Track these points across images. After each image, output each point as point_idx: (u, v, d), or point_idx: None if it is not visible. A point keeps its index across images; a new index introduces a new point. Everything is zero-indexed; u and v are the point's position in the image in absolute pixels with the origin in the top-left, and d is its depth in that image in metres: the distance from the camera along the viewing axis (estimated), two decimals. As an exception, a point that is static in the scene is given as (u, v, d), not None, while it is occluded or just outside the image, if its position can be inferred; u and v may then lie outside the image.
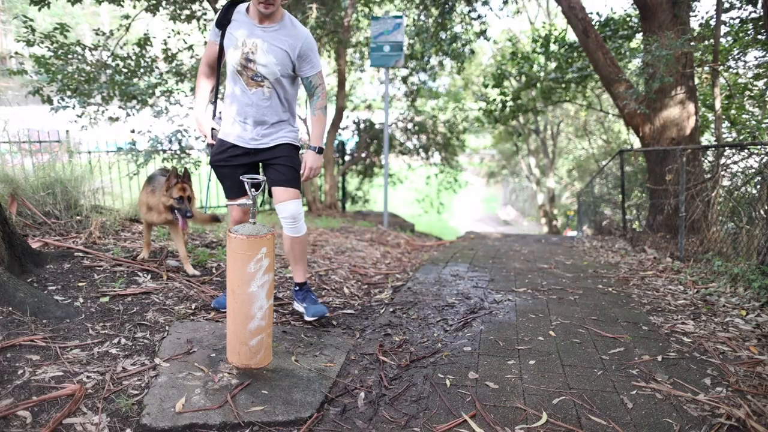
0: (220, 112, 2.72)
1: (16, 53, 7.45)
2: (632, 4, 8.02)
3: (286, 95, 2.60)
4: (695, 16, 8.30)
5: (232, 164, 2.63)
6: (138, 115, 7.65)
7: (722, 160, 4.91)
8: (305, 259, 2.82)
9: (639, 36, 8.42)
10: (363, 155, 12.53)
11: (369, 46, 9.07)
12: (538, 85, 11.72)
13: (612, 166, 9.14)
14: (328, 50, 10.91)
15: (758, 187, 4.39)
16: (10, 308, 2.42)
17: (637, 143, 9.30)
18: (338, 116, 10.60)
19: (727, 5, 7.30)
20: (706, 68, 7.39)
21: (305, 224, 2.72)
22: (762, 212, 4.12)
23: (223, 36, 2.52)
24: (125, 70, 7.50)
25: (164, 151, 7.86)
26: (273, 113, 2.57)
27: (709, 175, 5.28)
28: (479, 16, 10.48)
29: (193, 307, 2.89)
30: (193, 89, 8.50)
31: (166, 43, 8.21)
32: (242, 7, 2.52)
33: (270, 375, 2.20)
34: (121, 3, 7.30)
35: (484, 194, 32.47)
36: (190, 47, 8.71)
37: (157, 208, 3.13)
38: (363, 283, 3.92)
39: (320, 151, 2.60)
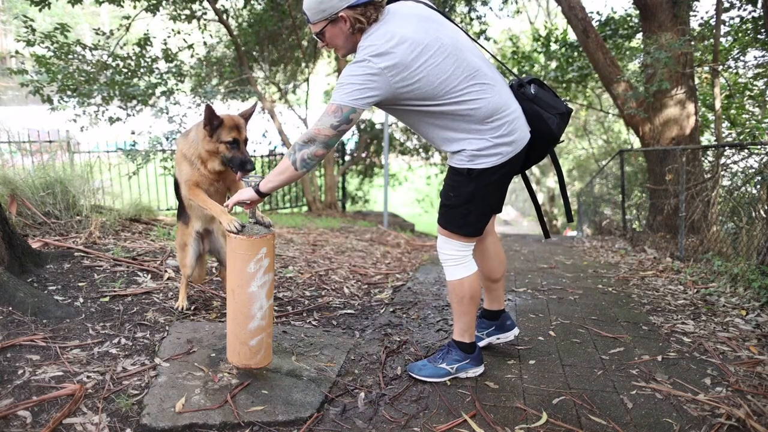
0: None
1: (17, 53, 7.46)
2: (632, 4, 8.01)
3: (413, 123, 2.09)
4: (695, 16, 8.30)
5: None
6: (138, 115, 7.66)
7: (722, 160, 4.92)
8: (460, 313, 2.25)
9: (639, 36, 8.42)
10: (363, 155, 12.53)
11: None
12: (538, 84, 11.70)
13: (612, 166, 9.14)
14: (328, 50, 10.91)
15: (758, 187, 4.39)
16: (10, 308, 2.42)
17: (637, 143, 9.30)
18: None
19: (727, 5, 7.30)
20: (706, 68, 7.39)
21: (459, 271, 2.18)
22: (762, 212, 4.12)
23: None
24: (125, 70, 7.51)
25: (164, 151, 7.86)
26: (430, 140, 2.14)
27: (709, 175, 5.28)
28: (479, 16, 10.49)
29: (193, 307, 2.89)
30: (193, 89, 8.52)
31: (166, 43, 8.21)
32: None
33: (270, 375, 2.20)
34: (121, 3, 7.31)
35: (484, 194, 32.43)
36: (190, 47, 8.72)
37: (201, 173, 2.36)
38: (363, 283, 3.92)
39: (258, 192, 2.04)
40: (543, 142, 2.11)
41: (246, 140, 2.32)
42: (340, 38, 1.97)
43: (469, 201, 2.09)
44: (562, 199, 2.37)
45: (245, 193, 2.08)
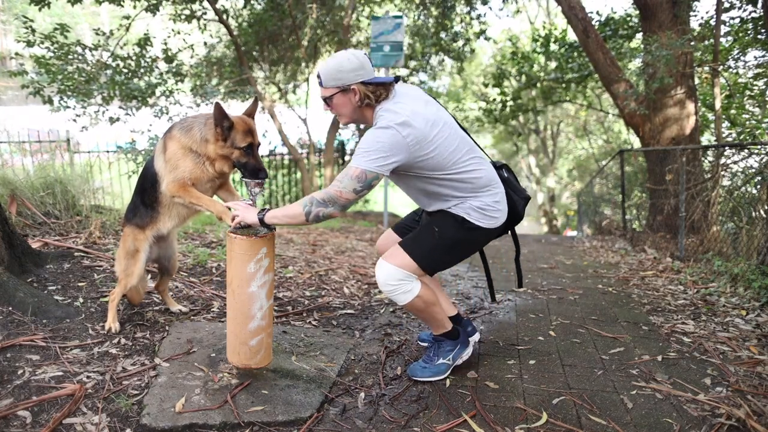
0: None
1: (17, 54, 7.46)
2: (632, 4, 8.02)
3: (421, 187, 2.15)
4: (695, 16, 8.31)
5: None
6: (138, 114, 7.65)
7: (722, 160, 4.92)
8: (427, 318, 2.27)
9: (639, 36, 8.42)
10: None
11: (369, 46, 9.08)
12: (538, 84, 11.73)
13: (612, 166, 9.14)
14: (328, 50, 10.92)
15: (758, 187, 4.39)
16: (10, 308, 2.42)
17: (637, 143, 9.30)
18: (339, 116, 10.61)
19: (727, 5, 7.30)
20: (706, 68, 7.39)
21: (410, 294, 2.14)
22: (762, 212, 4.12)
23: None
24: (125, 70, 7.51)
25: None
26: (434, 199, 2.21)
27: (709, 175, 5.28)
28: (479, 16, 10.49)
29: (192, 307, 2.89)
30: (193, 89, 8.52)
31: (166, 43, 8.22)
32: None
33: (270, 375, 2.20)
34: (121, 3, 7.31)
35: (484, 194, 32.47)
36: (191, 47, 8.72)
37: (206, 172, 2.21)
38: (363, 283, 3.92)
39: (261, 219, 2.05)
40: (509, 222, 2.29)
41: (259, 144, 2.20)
42: (347, 107, 2.09)
43: (450, 246, 2.16)
44: (516, 267, 2.56)
45: (249, 216, 2.08)
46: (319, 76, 2.08)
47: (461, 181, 2.10)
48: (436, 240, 2.16)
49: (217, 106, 2.06)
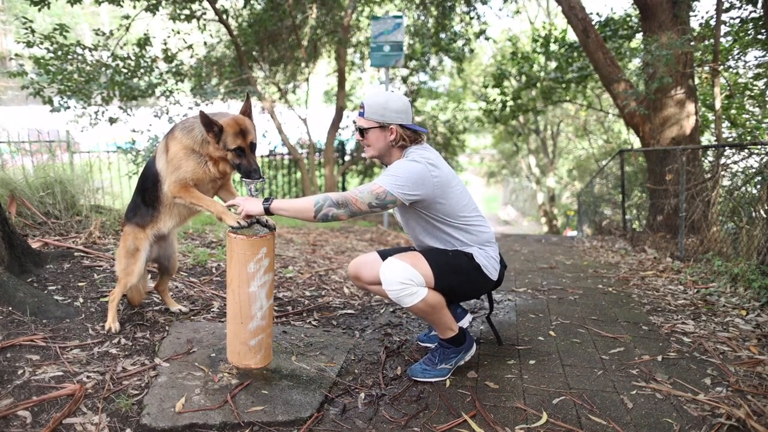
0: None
1: (17, 55, 7.45)
2: (632, 4, 8.02)
3: (427, 228, 2.27)
4: (695, 16, 8.31)
5: None
6: (138, 114, 7.65)
7: (722, 160, 4.92)
8: (435, 320, 2.26)
9: (639, 36, 8.42)
10: (362, 155, 12.54)
11: (369, 45, 9.08)
12: (538, 84, 11.73)
13: (612, 166, 9.14)
14: (328, 50, 10.92)
15: (758, 187, 4.39)
16: (10, 308, 2.42)
17: (637, 143, 9.30)
18: (338, 116, 10.61)
19: (727, 5, 7.29)
20: (706, 68, 7.39)
21: (417, 296, 2.12)
22: (762, 212, 4.12)
23: None
24: (125, 70, 7.50)
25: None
26: (426, 241, 2.32)
27: (709, 175, 5.28)
28: (478, 16, 10.49)
29: (192, 307, 2.88)
30: (193, 89, 8.51)
31: (166, 43, 8.21)
32: None
33: (270, 375, 2.20)
34: (121, 3, 7.31)
35: (484, 194, 32.45)
36: (190, 47, 8.72)
37: (208, 173, 2.23)
38: (363, 283, 3.92)
39: (266, 209, 2.08)
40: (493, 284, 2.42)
41: (253, 145, 2.15)
42: (381, 143, 2.21)
43: (458, 270, 2.22)
44: (490, 325, 2.70)
45: (254, 207, 2.09)
46: (362, 106, 2.19)
47: (468, 231, 2.25)
48: (449, 258, 2.23)
49: (201, 114, 2.06)
